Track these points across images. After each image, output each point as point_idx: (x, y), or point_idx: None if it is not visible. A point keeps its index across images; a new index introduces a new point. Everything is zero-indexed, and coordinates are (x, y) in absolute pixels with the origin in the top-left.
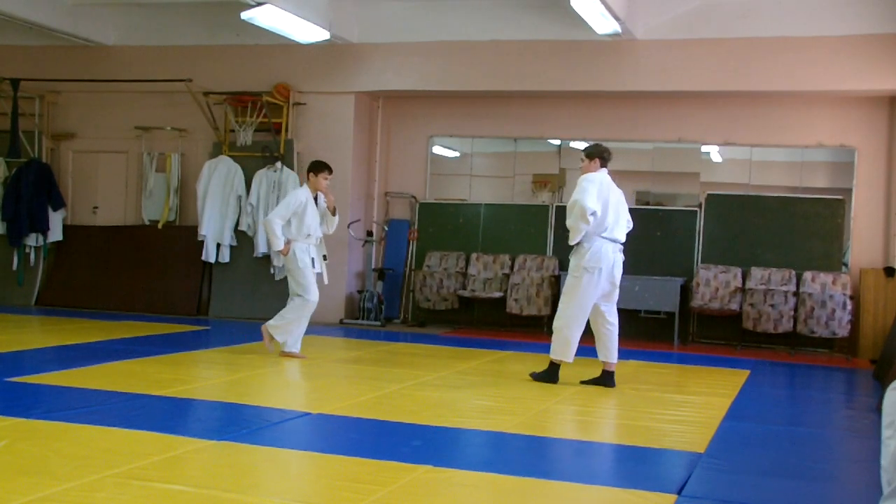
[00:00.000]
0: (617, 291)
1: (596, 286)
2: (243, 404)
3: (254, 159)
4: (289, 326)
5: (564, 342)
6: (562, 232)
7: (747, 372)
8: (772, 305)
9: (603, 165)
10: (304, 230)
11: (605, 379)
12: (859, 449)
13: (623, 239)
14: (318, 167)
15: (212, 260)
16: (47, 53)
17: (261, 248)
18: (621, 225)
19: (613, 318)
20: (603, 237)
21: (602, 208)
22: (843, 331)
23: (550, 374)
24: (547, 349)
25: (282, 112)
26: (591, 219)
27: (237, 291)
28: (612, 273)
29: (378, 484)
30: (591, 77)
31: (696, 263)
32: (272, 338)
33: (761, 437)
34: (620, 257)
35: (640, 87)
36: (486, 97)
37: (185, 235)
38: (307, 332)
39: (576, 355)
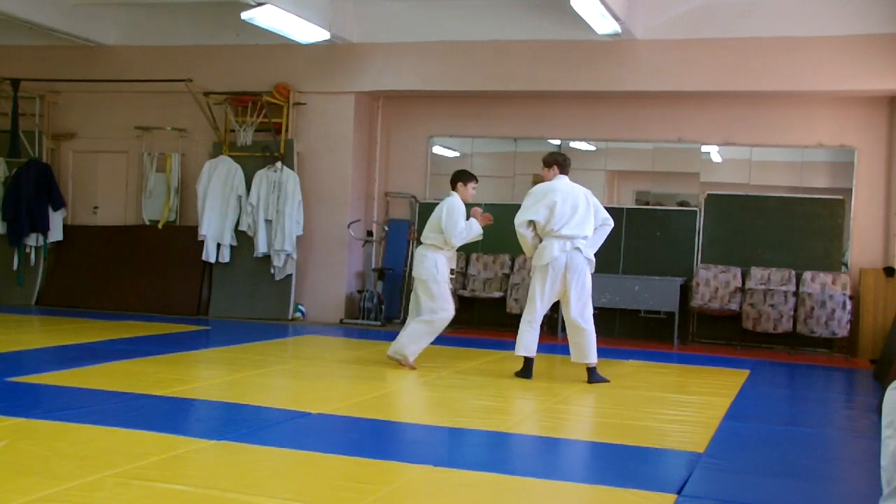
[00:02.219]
0: (584, 292)
1: (545, 283)
2: (243, 404)
3: (254, 159)
4: (421, 342)
5: (518, 337)
6: None
7: (747, 372)
8: (771, 305)
9: (563, 172)
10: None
11: (588, 376)
12: (859, 449)
13: (580, 233)
14: (468, 177)
15: (212, 260)
16: (47, 53)
17: (261, 248)
18: (579, 221)
19: (580, 322)
20: (552, 236)
21: (549, 213)
22: (842, 331)
23: (522, 370)
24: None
25: (282, 112)
26: (526, 231)
27: (237, 291)
28: (564, 272)
29: (378, 484)
30: (591, 77)
31: (695, 263)
32: (411, 365)
33: (761, 437)
34: (578, 255)
35: (640, 87)
36: (486, 97)
37: (185, 235)
38: (307, 333)
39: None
